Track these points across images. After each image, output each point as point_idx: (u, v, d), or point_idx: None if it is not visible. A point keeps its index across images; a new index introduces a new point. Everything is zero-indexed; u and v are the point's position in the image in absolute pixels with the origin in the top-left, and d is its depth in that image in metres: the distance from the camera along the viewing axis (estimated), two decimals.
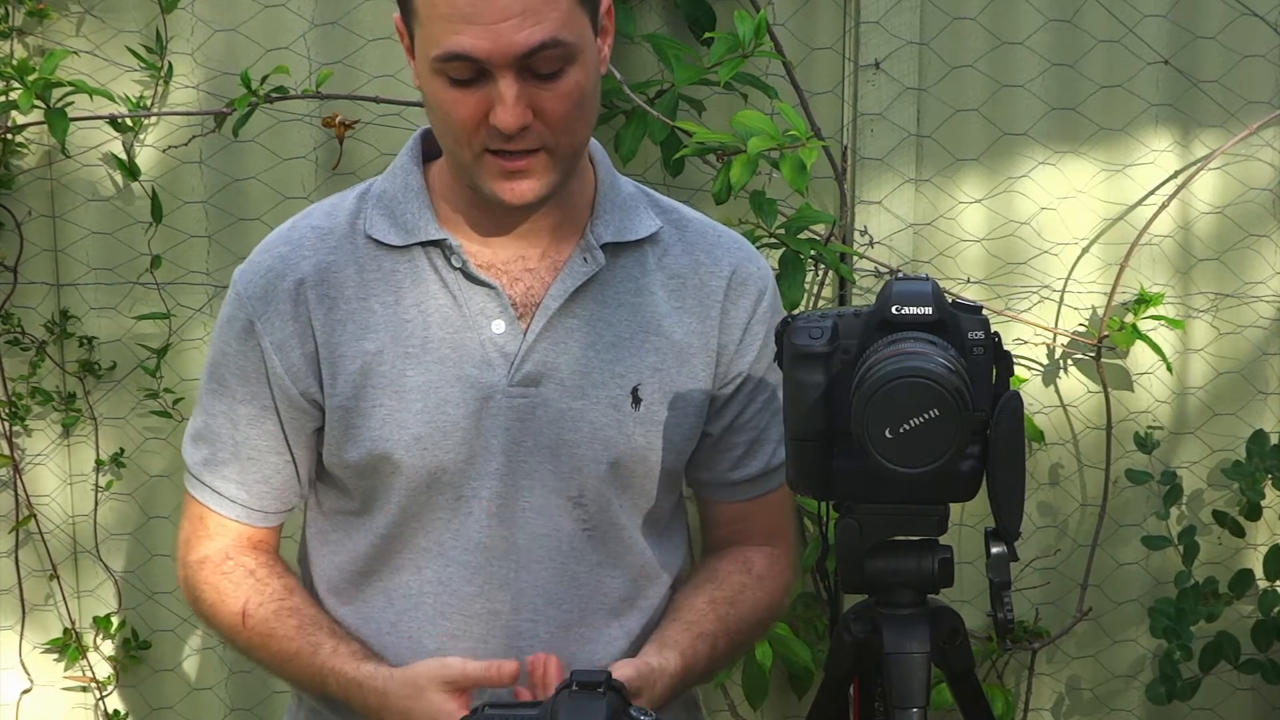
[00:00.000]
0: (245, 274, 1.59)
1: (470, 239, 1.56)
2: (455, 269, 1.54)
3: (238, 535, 1.64)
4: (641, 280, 1.59)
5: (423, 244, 1.55)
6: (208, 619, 1.66)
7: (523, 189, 1.48)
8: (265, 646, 1.60)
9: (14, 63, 2.57)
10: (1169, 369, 2.76)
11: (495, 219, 1.55)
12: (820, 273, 2.75)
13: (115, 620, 2.86)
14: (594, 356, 1.56)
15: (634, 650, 1.59)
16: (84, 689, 2.91)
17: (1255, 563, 2.78)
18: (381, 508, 1.58)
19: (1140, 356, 2.79)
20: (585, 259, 1.56)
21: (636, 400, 1.57)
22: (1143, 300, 2.72)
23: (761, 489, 1.67)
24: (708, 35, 2.55)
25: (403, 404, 1.54)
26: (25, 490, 2.82)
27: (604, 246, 1.57)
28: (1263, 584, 2.74)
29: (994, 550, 1.35)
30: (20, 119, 2.64)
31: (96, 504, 2.83)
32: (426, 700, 1.46)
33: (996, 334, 1.36)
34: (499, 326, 1.54)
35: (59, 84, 2.57)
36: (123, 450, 2.81)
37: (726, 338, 1.61)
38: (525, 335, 1.54)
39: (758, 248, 1.92)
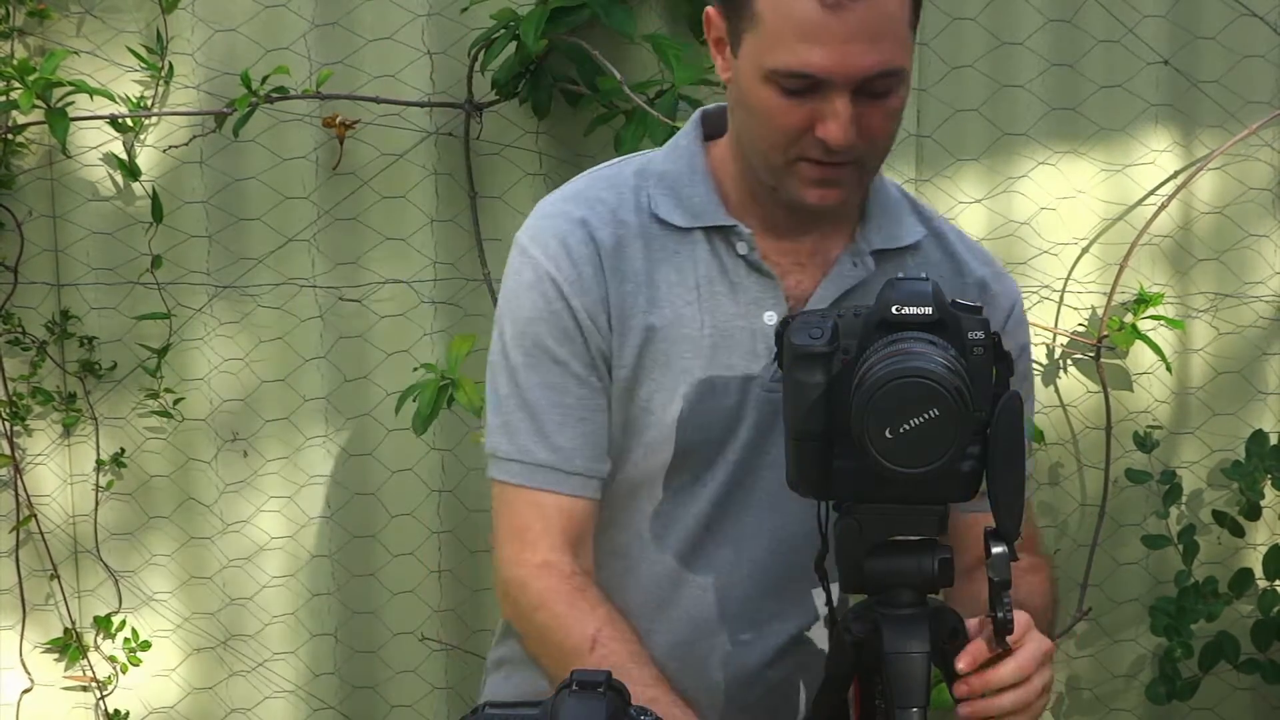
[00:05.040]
0: (541, 238, 1.56)
1: (752, 227, 1.55)
2: (740, 256, 1.55)
3: (572, 524, 1.56)
4: None
5: (706, 228, 1.55)
6: (541, 630, 1.56)
7: (831, 196, 1.49)
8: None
9: (14, 63, 2.57)
10: (1169, 369, 2.76)
11: (779, 212, 1.55)
12: None
13: (115, 620, 2.86)
14: None
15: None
16: (84, 689, 2.91)
17: (1255, 562, 2.78)
18: (617, 472, 1.58)
19: (1140, 356, 2.79)
20: (855, 264, 1.57)
21: None
22: (1142, 300, 2.72)
23: None
24: None
25: (672, 385, 1.54)
26: (25, 490, 2.82)
27: (872, 253, 1.57)
28: (1262, 584, 2.74)
29: (994, 550, 1.35)
30: (21, 119, 2.64)
31: (97, 504, 2.83)
32: None
33: (996, 334, 1.36)
34: (771, 318, 1.54)
35: (59, 84, 2.57)
36: (123, 450, 2.81)
37: None
38: None
39: None
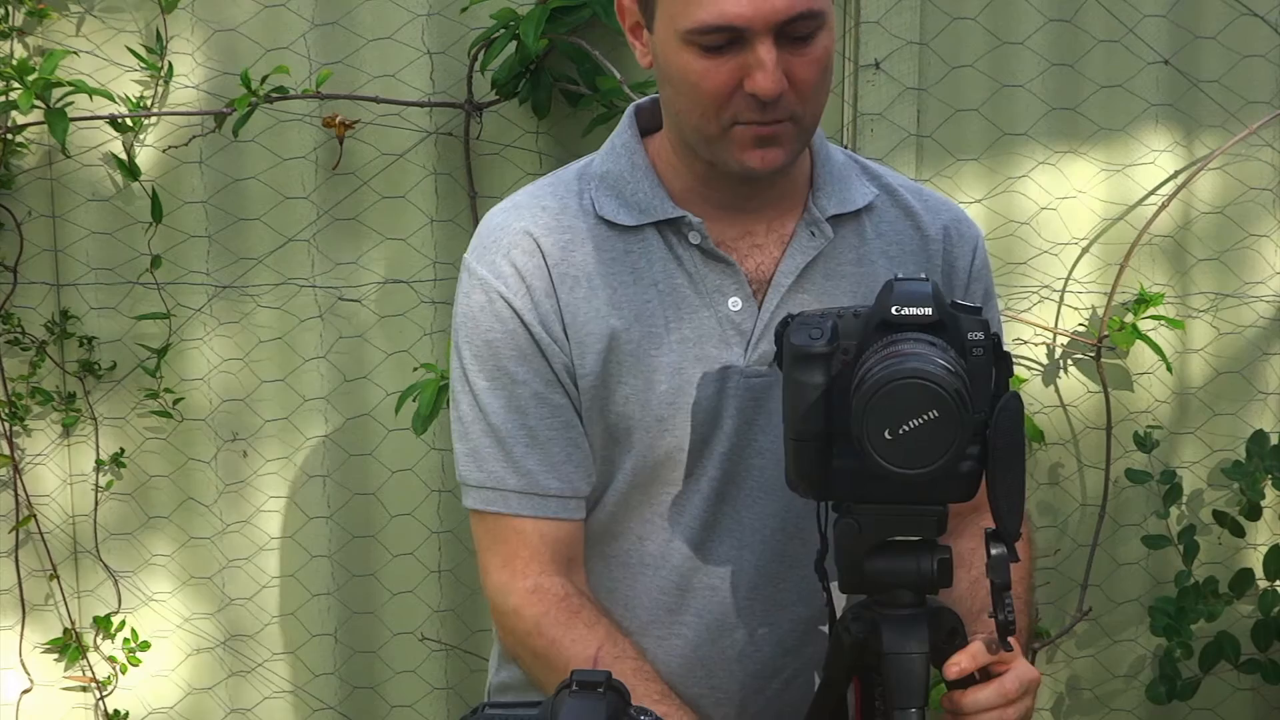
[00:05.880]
0: (487, 257, 1.55)
1: (702, 216, 1.55)
2: (693, 246, 1.54)
3: (558, 546, 1.56)
4: (862, 250, 1.58)
5: (656, 223, 1.54)
6: (540, 656, 1.54)
7: (772, 156, 1.47)
8: None
9: (14, 63, 2.57)
10: (1169, 369, 2.76)
11: (727, 193, 1.54)
12: None
13: (115, 620, 2.86)
14: None
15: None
16: (84, 689, 2.91)
17: (1255, 562, 2.78)
18: (609, 481, 1.58)
19: (1140, 356, 2.79)
20: (812, 233, 1.56)
21: None
22: (1143, 300, 2.73)
23: None
24: None
25: (648, 384, 1.53)
26: (25, 490, 2.82)
27: (828, 220, 1.56)
28: (1263, 584, 2.74)
29: (994, 551, 1.35)
30: (20, 119, 2.64)
31: (96, 504, 2.83)
32: None
33: (996, 334, 1.36)
34: (735, 304, 1.54)
35: (59, 84, 2.57)
36: (123, 450, 2.81)
37: (951, 294, 1.60)
38: (759, 313, 1.54)
39: None
